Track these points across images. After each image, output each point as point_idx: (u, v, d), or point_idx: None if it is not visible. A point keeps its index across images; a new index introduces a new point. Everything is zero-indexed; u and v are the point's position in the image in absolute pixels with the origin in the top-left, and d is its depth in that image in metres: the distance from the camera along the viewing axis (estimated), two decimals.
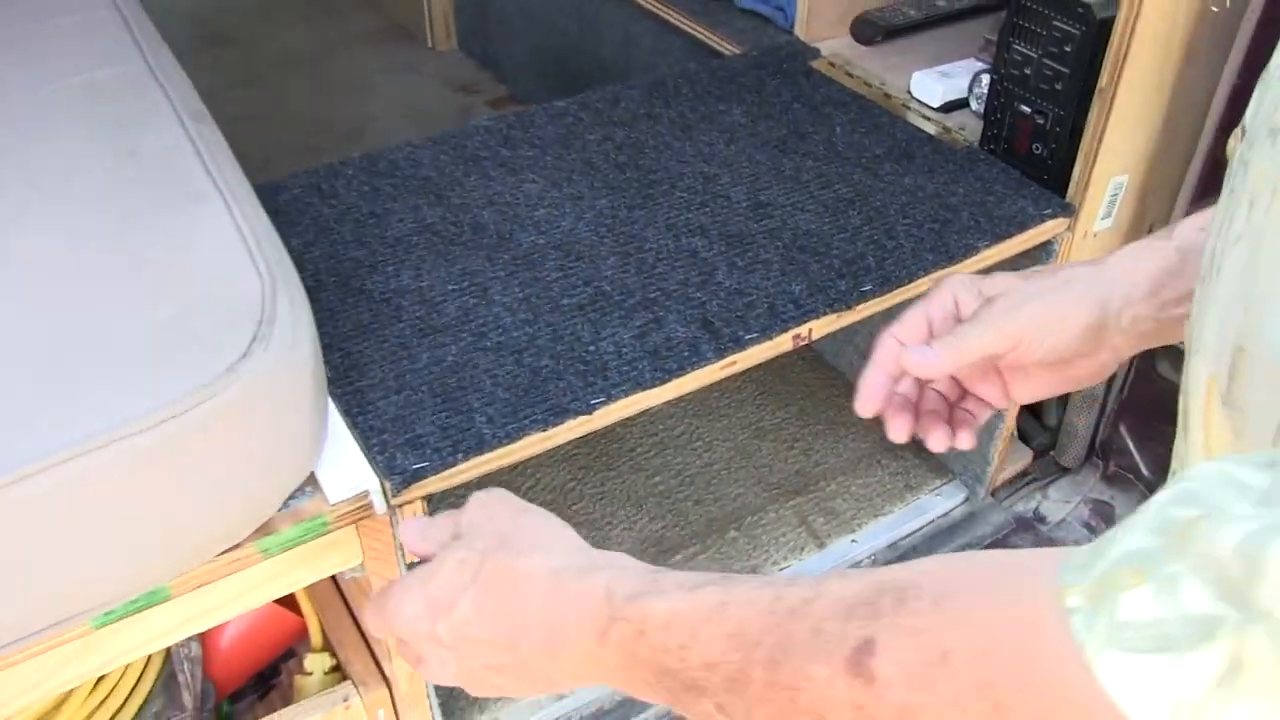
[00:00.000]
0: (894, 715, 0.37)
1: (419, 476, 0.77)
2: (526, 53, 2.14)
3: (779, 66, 1.33)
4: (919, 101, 1.27)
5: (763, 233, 1.03)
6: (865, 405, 0.66)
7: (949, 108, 1.25)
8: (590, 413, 0.83)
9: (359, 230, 1.01)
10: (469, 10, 2.34)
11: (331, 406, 0.81)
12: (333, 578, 0.93)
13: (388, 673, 0.94)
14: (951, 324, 0.64)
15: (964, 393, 0.68)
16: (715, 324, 0.92)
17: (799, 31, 1.41)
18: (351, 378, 0.84)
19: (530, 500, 0.55)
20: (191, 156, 0.85)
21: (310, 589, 1.00)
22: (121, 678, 0.93)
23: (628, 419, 0.87)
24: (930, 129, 1.22)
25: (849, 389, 1.41)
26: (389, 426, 0.80)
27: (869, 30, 1.39)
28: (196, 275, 0.74)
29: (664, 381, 0.87)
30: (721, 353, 0.89)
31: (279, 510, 0.75)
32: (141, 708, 0.94)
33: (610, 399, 0.84)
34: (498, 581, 0.55)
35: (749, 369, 0.92)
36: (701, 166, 1.12)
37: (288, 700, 0.99)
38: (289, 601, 1.01)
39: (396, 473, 0.77)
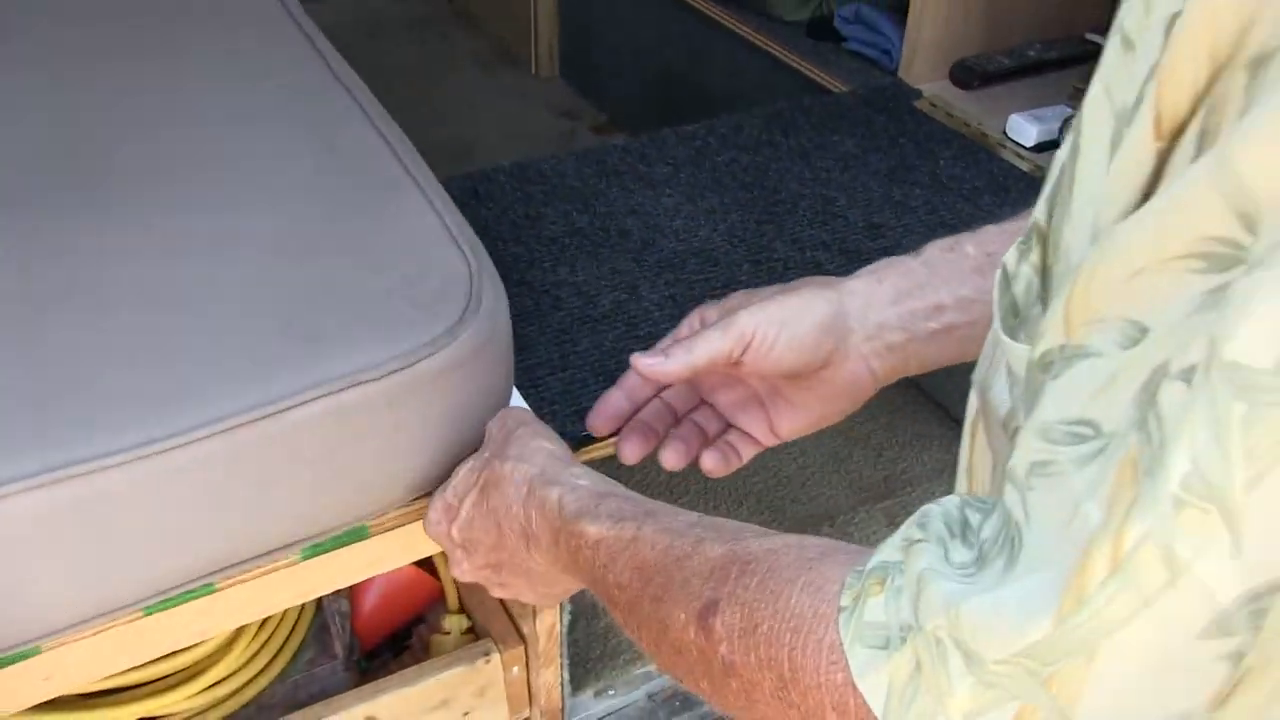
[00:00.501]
0: (722, 666, 0.44)
1: (586, 443, 0.87)
2: (628, 81, 2.26)
3: (885, 104, 1.44)
4: (1014, 141, 1.37)
5: (877, 250, 1.13)
6: (598, 422, 0.74)
7: (1041, 148, 1.36)
8: None
9: (515, 230, 1.12)
10: (573, 39, 2.46)
11: None
12: None
13: (525, 632, 1.03)
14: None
15: (726, 425, 0.72)
16: None
17: (902, 74, 1.52)
18: (522, 357, 0.95)
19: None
20: (385, 151, 0.94)
21: None
22: (279, 625, 1.02)
23: None
24: (1024, 166, 1.32)
25: (931, 405, 1.51)
26: (558, 399, 0.91)
27: (967, 75, 1.49)
28: (406, 254, 0.82)
29: None
30: None
31: None
32: (296, 653, 1.04)
33: None
34: (489, 485, 0.66)
35: None
36: (820, 189, 1.22)
37: (421, 660, 1.09)
38: (427, 566, 1.11)
39: (568, 438, 0.87)
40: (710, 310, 0.69)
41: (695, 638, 0.46)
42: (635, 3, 2.14)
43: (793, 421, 0.69)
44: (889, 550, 0.39)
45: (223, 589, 0.77)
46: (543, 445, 0.66)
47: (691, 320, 0.70)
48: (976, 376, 0.47)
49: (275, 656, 1.00)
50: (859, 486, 1.42)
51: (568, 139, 2.31)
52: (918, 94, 1.48)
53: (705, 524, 0.51)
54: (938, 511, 0.39)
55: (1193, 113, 0.31)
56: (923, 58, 1.51)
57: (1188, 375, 0.28)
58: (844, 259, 1.11)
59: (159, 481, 0.68)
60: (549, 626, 0.99)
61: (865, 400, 0.67)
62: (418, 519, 0.82)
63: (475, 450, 0.75)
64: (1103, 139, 0.35)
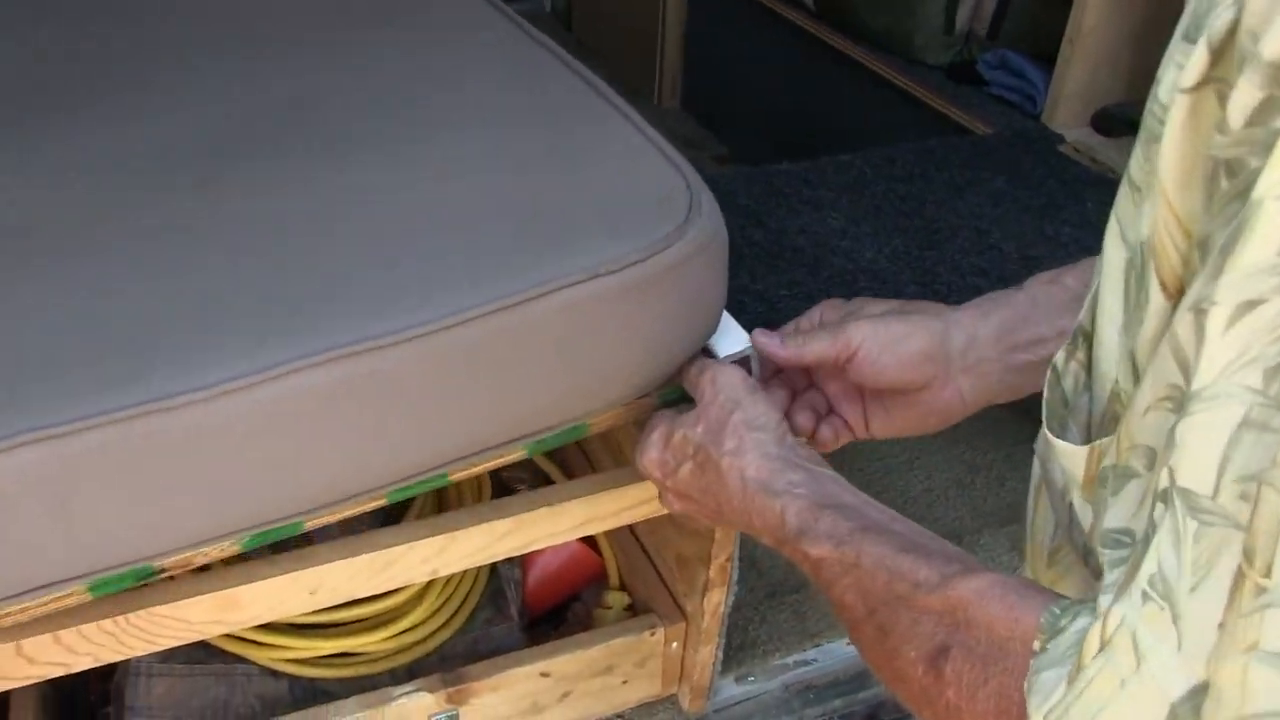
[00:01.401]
0: (946, 707, 0.48)
1: None
2: (752, 113, 2.34)
3: (1029, 147, 1.51)
4: None
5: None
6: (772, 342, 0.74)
7: None
8: None
9: None
10: (697, 70, 2.54)
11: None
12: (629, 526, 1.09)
13: (688, 610, 1.10)
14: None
15: (830, 409, 0.76)
16: None
17: (1045, 119, 1.59)
18: None
19: None
20: (590, 93, 0.95)
21: (610, 534, 1.17)
22: (459, 584, 1.10)
23: (857, 443, 1.03)
24: None
25: None
26: None
27: (1109, 123, 1.56)
28: (625, 170, 0.83)
29: None
30: None
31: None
32: (474, 612, 1.11)
33: None
34: (706, 468, 0.69)
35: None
36: (975, 222, 1.29)
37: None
38: (590, 543, 1.18)
39: None
40: (832, 309, 0.74)
41: (923, 677, 0.50)
42: (766, 38, 2.22)
43: (885, 426, 0.75)
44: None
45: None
46: (758, 440, 0.67)
47: (813, 314, 0.74)
48: (1037, 448, 0.54)
49: (457, 612, 1.07)
50: (982, 511, 1.48)
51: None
52: (1060, 139, 1.54)
53: (916, 548, 0.54)
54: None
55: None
56: (1067, 104, 1.57)
57: (1164, 496, 0.37)
58: (1002, 287, 1.17)
59: (417, 365, 0.70)
60: (714, 606, 1.05)
61: (954, 421, 0.72)
62: (635, 417, 0.82)
63: (693, 358, 0.77)
64: (1117, 269, 0.43)
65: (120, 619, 0.74)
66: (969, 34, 1.74)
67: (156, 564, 0.70)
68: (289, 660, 0.97)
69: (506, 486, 1.14)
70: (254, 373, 0.66)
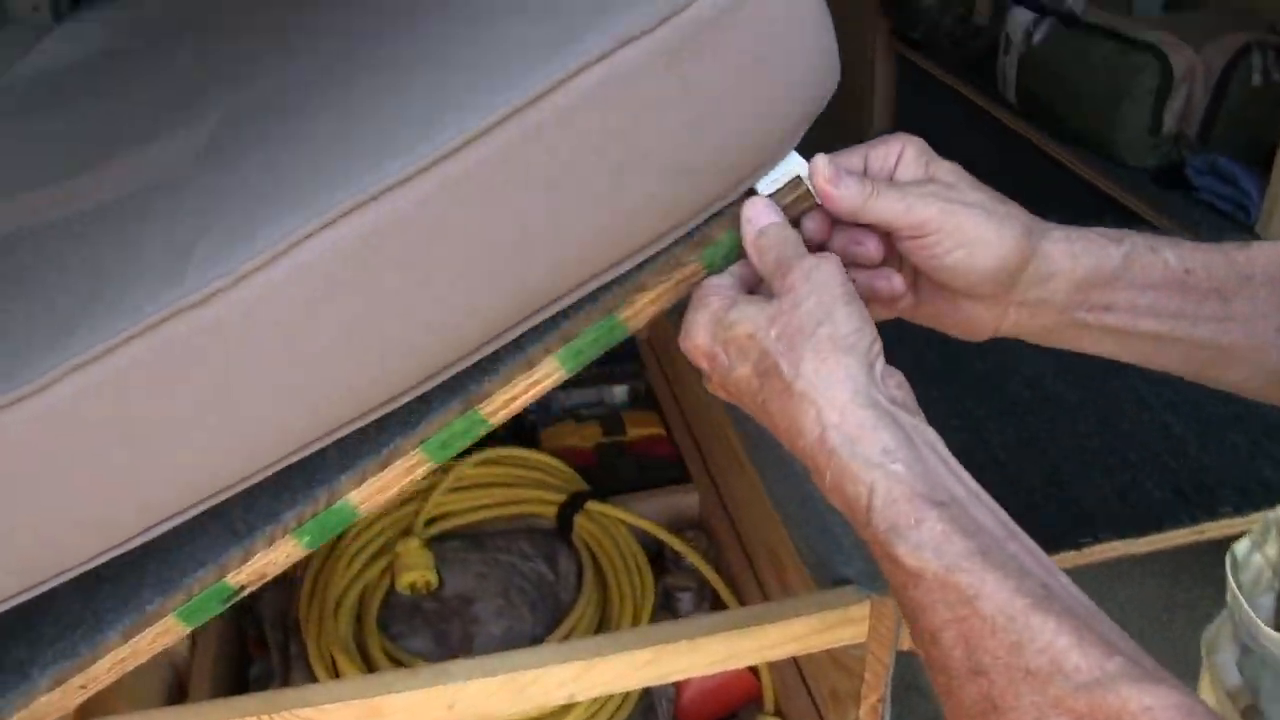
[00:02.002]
0: None
1: None
2: None
3: None
4: None
5: (1229, 417, 1.12)
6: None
7: None
8: (1079, 548, 0.96)
9: None
10: None
11: None
12: None
13: None
14: (882, 178, 0.59)
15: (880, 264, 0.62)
16: (1187, 492, 1.02)
17: (1260, 230, 1.49)
18: None
19: None
20: None
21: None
22: (609, 700, 1.10)
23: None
24: None
25: None
26: None
27: None
28: None
29: (1140, 535, 0.98)
30: (1194, 519, 1.00)
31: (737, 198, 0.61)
32: None
33: (1097, 540, 0.96)
34: (770, 383, 0.53)
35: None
36: None
37: None
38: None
39: None
40: (912, 154, 0.60)
41: None
42: (969, 132, 2.18)
43: (922, 310, 0.63)
44: None
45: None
46: (847, 368, 0.51)
47: (891, 148, 0.60)
48: (1205, 637, 0.48)
49: None
50: (1182, 659, 1.38)
51: None
52: None
53: (1065, 613, 0.43)
54: None
55: None
56: None
57: None
58: (1197, 425, 1.11)
59: (434, 206, 0.56)
60: None
61: (973, 339, 0.62)
62: (675, 295, 0.62)
63: (748, 199, 0.59)
64: None
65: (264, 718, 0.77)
66: (1177, 136, 1.66)
67: (232, 581, 0.65)
68: None
69: (670, 594, 1.14)
70: (267, 250, 0.55)
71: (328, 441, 0.62)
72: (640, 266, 0.60)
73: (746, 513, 1.11)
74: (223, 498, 0.62)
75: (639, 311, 0.61)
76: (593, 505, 1.14)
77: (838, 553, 0.91)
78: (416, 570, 1.04)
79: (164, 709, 0.81)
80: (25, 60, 1.01)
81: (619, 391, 1.33)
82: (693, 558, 1.11)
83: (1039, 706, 0.40)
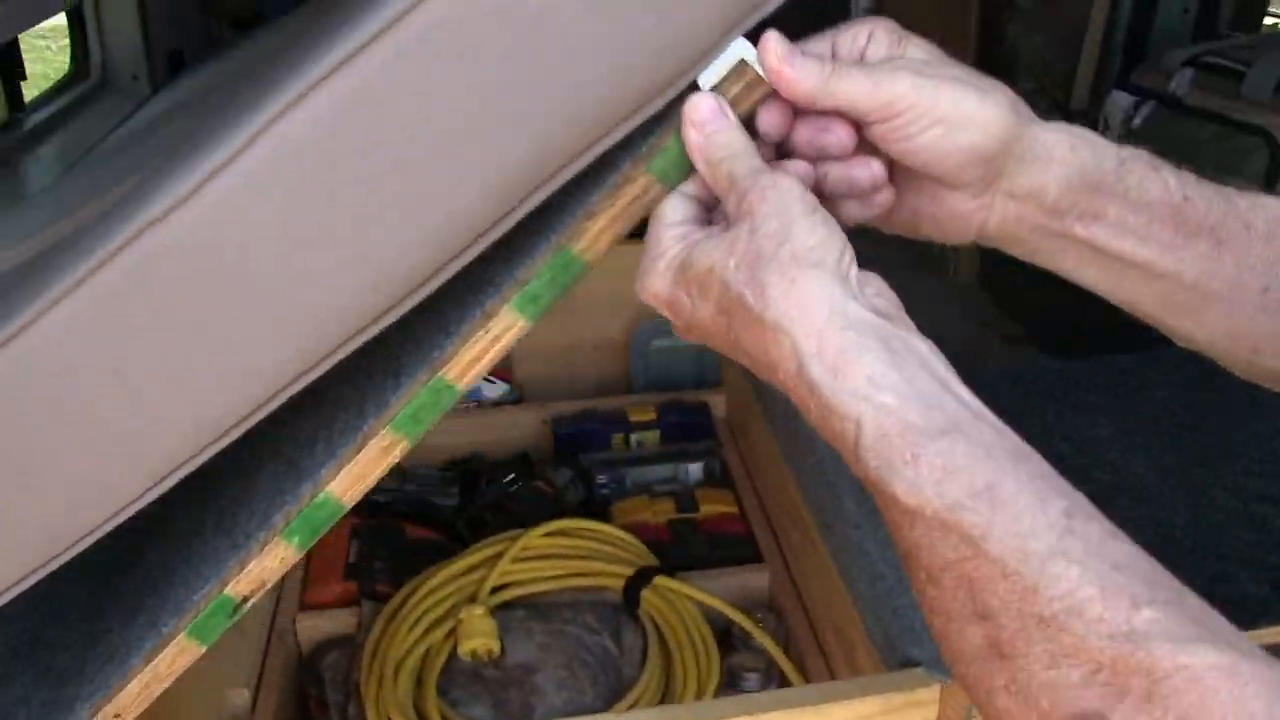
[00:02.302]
0: None
1: None
2: (1047, 299, 2.24)
3: None
4: None
5: None
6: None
7: None
8: None
9: None
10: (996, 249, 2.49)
11: None
12: None
13: None
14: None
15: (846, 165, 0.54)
16: None
17: None
18: None
19: None
20: None
21: None
22: None
23: None
24: None
25: None
26: None
27: None
28: None
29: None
30: None
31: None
32: None
33: None
34: (736, 317, 0.48)
35: None
36: (1270, 442, 1.17)
37: None
38: None
39: None
40: (882, 33, 0.52)
41: None
42: None
43: (897, 215, 0.57)
44: None
45: None
46: (819, 282, 0.45)
47: (857, 35, 0.52)
48: None
49: None
50: None
51: (978, 343, 2.32)
52: None
53: (1076, 547, 0.39)
54: None
55: None
56: None
57: None
58: None
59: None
60: None
61: (952, 242, 0.56)
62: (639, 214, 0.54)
63: (690, 96, 0.51)
64: None
65: None
66: None
67: (233, 592, 0.62)
68: None
69: (736, 674, 1.12)
70: (229, 149, 0.50)
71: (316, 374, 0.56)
72: (586, 190, 0.55)
73: (817, 592, 1.08)
74: (217, 448, 0.57)
75: (593, 241, 0.54)
76: (661, 580, 1.12)
77: (908, 633, 0.89)
78: (479, 637, 1.03)
79: None
80: (118, 130, 1.06)
81: (694, 469, 1.32)
82: (760, 637, 1.08)
83: (1051, 654, 0.36)
